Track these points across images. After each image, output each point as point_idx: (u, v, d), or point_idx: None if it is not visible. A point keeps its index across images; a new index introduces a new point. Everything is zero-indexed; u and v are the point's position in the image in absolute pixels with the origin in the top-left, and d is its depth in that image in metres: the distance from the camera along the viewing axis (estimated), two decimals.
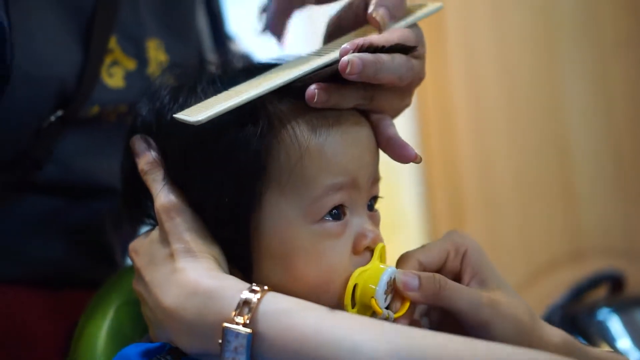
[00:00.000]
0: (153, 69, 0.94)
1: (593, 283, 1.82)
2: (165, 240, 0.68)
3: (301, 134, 0.68)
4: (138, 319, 0.74)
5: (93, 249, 0.94)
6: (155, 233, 0.70)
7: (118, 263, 0.98)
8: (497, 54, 2.37)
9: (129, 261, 1.09)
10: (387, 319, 0.68)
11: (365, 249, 0.71)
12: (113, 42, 0.89)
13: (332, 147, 0.68)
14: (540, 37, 2.36)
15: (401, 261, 0.73)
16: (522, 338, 0.67)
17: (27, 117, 0.81)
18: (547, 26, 2.36)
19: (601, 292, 1.83)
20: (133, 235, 1.02)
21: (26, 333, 0.84)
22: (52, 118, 0.83)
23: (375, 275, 0.69)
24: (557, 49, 2.34)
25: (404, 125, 2.72)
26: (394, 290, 0.70)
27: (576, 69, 2.34)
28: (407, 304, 0.70)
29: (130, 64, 0.92)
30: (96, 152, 0.91)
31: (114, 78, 0.90)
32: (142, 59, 0.93)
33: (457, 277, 0.72)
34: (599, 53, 2.33)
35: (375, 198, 0.74)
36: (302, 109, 0.69)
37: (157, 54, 0.96)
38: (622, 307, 1.68)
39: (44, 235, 0.89)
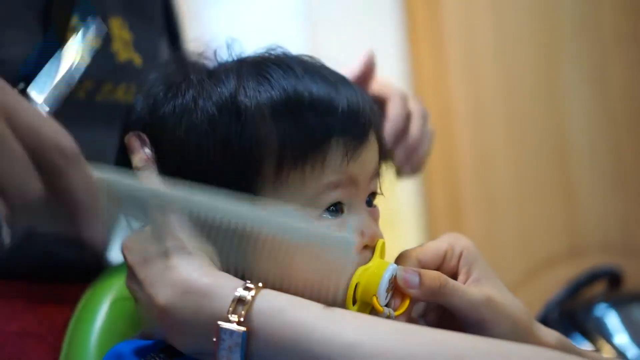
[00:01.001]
0: (117, 46, 0.95)
1: (591, 279, 1.82)
2: (158, 237, 0.68)
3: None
4: (132, 314, 0.74)
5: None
6: (149, 230, 0.70)
7: (103, 254, 0.99)
8: (496, 53, 2.37)
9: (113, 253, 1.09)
10: (388, 317, 0.68)
11: (365, 247, 0.70)
12: (75, 21, 0.89)
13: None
14: (539, 35, 2.36)
15: (400, 259, 0.73)
16: (519, 337, 0.67)
17: None
18: (547, 25, 2.36)
19: (599, 288, 1.84)
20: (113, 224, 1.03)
21: (17, 328, 0.84)
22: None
23: (377, 273, 0.68)
24: (556, 47, 2.34)
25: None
26: (394, 288, 0.69)
27: (575, 67, 2.33)
28: (407, 302, 0.69)
29: (94, 42, 0.91)
30: (72, 132, 0.91)
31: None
32: (106, 36, 0.93)
33: (454, 277, 0.72)
34: (598, 52, 2.33)
35: (374, 194, 0.73)
36: None
37: (121, 32, 0.96)
38: (619, 303, 1.69)
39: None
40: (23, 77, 0.83)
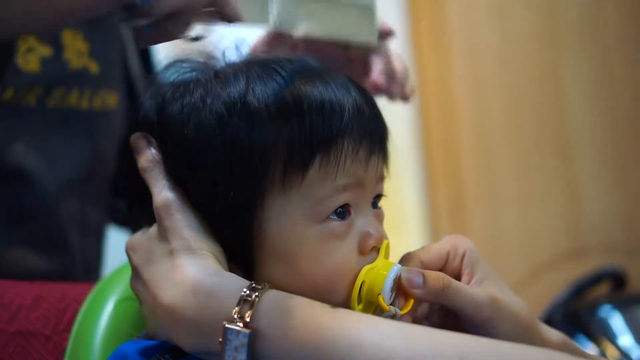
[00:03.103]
0: (70, 54, 0.98)
1: (594, 280, 1.82)
2: (164, 237, 0.68)
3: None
4: (137, 314, 0.74)
5: (40, 239, 0.95)
6: (154, 230, 0.69)
7: (74, 251, 1.00)
8: (499, 51, 2.37)
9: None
10: (393, 316, 0.68)
11: (372, 249, 0.71)
12: None
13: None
14: (543, 33, 2.36)
15: (403, 261, 0.73)
16: (522, 337, 0.67)
17: None
18: (550, 23, 2.35)
19: (603, 289, 1.83)
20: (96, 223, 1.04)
21: (20, 328, 0.84)
22: None
23: (382, 272, 0.69)
24: (560, 47, 2.34)
25: (405, 121, 2.73)
26: (398, 288, 0.70)
27: (579, 66, 2.33)
28: (411, 302, 0.70)
29: (46, 50, 0.95)
30: (22, 139, 0.93)
31: (29, 63, 0.93)
32: (57, 46, 0.97)
33: (457, 278, 0.72)
34: (601, 50, 2.33)
35: (379, 196, 0.74)
36: None
37: (74, 41, 0.99)
38: (623, 304, 1.68)
39: None
40: None
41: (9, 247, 0.93)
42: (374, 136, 0.71)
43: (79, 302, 0.81)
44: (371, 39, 0.89)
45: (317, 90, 0.68)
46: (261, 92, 0.68)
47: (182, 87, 0.71)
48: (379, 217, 0.73)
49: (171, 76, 0.73)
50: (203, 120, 0.68)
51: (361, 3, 0.85)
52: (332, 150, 0.67)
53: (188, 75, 0.72)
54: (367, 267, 0.69)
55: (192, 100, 0.69)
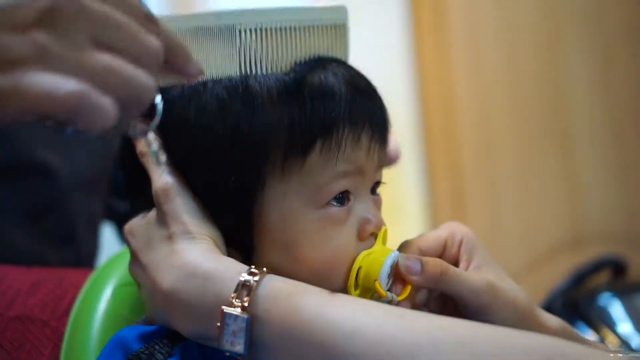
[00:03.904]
0: None
1: (594, 268, 1.82)
2: (163, 222, 0.67)
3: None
4: (136, 299, 0.74)
5: (55, 234, 0.95)
6: (153, 215, 0.69)
7: (81, 243, 1.00)
8: (500, 43, 2.36)
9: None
10: (390, 301, 0.68)
11: (370, 235, 0.71)
12: None
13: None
14: (543, 26, 2.35)
15: (401, 248, 0.73)
16: (521, 323, 0.67)
17: None
18: (551, 14, 2.35)
19: (602, 277, 1.83)
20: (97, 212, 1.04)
21: (18, 313, 0.84)
22: None
23: (379, 258, 0.69)
24: (561, 38, 2.33)
25: (405, 111, 2.72)
26: (396, 274, 0.70)
27: (579, 57, 2.33)
28: (409, 288, 0.70)
29: None
30: (43, 136, 0.95)
31: None
32: None
33: (455, 265, 0.72)
34: (602, 40, 2.32)
35: (378, 183, 0.74)
36: None
37: None
38: (623, 292, 1.68)
39: None
40: None
41: (26, 240, 0.93)
42: (375, 123, 0.71)
43: (77, 287, 0.81)
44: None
45: (317, 76, 0.68)
46: (262, 76, 0.68)
47: None
48: (377, 204, 0.73)
49: None
50: (204, 104, 0.68)
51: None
52: (333, 136, 0.67)
53: None
54: (364, 252, 0.69)
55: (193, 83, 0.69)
